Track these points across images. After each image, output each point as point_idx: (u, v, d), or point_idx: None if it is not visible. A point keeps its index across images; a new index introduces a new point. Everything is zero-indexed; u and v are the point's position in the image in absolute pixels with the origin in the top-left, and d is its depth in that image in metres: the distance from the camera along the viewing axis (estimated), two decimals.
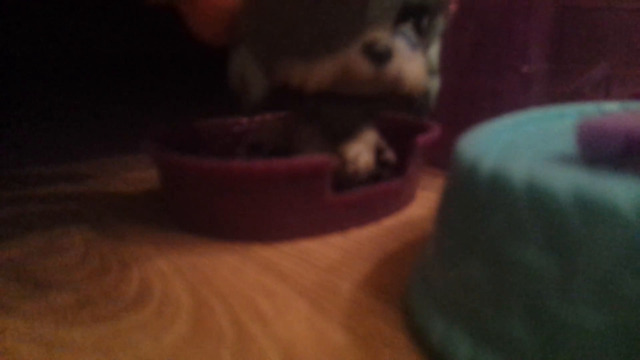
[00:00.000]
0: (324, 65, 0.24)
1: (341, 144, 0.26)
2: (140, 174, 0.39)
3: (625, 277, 0.10)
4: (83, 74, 1.11)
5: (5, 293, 0.20)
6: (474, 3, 0.33)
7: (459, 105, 0.35)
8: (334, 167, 0.24)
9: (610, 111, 0.21)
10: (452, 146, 0.16)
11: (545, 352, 0.11)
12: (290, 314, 0.17)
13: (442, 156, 0.23)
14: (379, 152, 0.29)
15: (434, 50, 0.28)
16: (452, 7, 0.28)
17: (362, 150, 0.26)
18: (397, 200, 0.28)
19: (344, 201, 0.25)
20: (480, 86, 0.34)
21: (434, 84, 0.29)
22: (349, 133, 0.27)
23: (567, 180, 0.11)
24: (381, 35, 0.23)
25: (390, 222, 0.27)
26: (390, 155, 0.30)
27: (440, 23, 0.27)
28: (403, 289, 0.19)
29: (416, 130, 0.29)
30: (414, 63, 0.25)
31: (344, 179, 0.25)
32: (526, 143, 0.18)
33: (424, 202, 0.30)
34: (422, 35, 0.26)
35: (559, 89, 0.33)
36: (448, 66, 0.35)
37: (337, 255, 0.22)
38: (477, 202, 0.13)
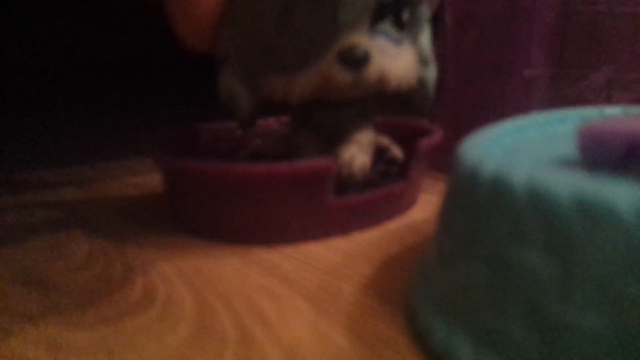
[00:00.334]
0: (302, 78, 0.24)
1: (335, 148, 0.26)
2: (144, 178, 0.39)
3: (626, 281, 0.10)
4: (87, 78, 1.12)
5: (11, 296, 0.20)
6: (476, 8, 0.34)
7: (461, 109, 0.36)
8: (336, 170, 0.24)
9: (612, 115, 0.21)
10: (454, 150, 0.17)
11: (546, 354, 0.11)
12: (293, 317, 0.18)
13: (444, 160, 0.23)
14: (382, 151, 0.29)
15: (425, 39, 0.28)
16: None
17: (355, 153, 0.25)
18: (399, 204, 0.28)
19: (347, 204, 0.25)
20: (483, 90, 0.34)
21: (430, 73, 0.28)
22: (342, 137, 0.26)
23: (568, 184, 0.11)
24: (357, 40, 0.23)
25: (392, 226, 0.27)
26: (396, 151, 0.29)
27: (425, 11, 0.27)
28: (405, 292, 0.19)
29: (418, 134, 0.29)
30: (399, 59, 0.25)
31: (340, 183, 0.25)
32: (527, 147, 0.18)
33: (426, 205, 0.30)
34: (406, 29, 0.26)
35: (561, 93, 0.33)
36: (450, 71, 0.35)
37: (340, 258, 0.22)
38: (479, 205, 0.14)
